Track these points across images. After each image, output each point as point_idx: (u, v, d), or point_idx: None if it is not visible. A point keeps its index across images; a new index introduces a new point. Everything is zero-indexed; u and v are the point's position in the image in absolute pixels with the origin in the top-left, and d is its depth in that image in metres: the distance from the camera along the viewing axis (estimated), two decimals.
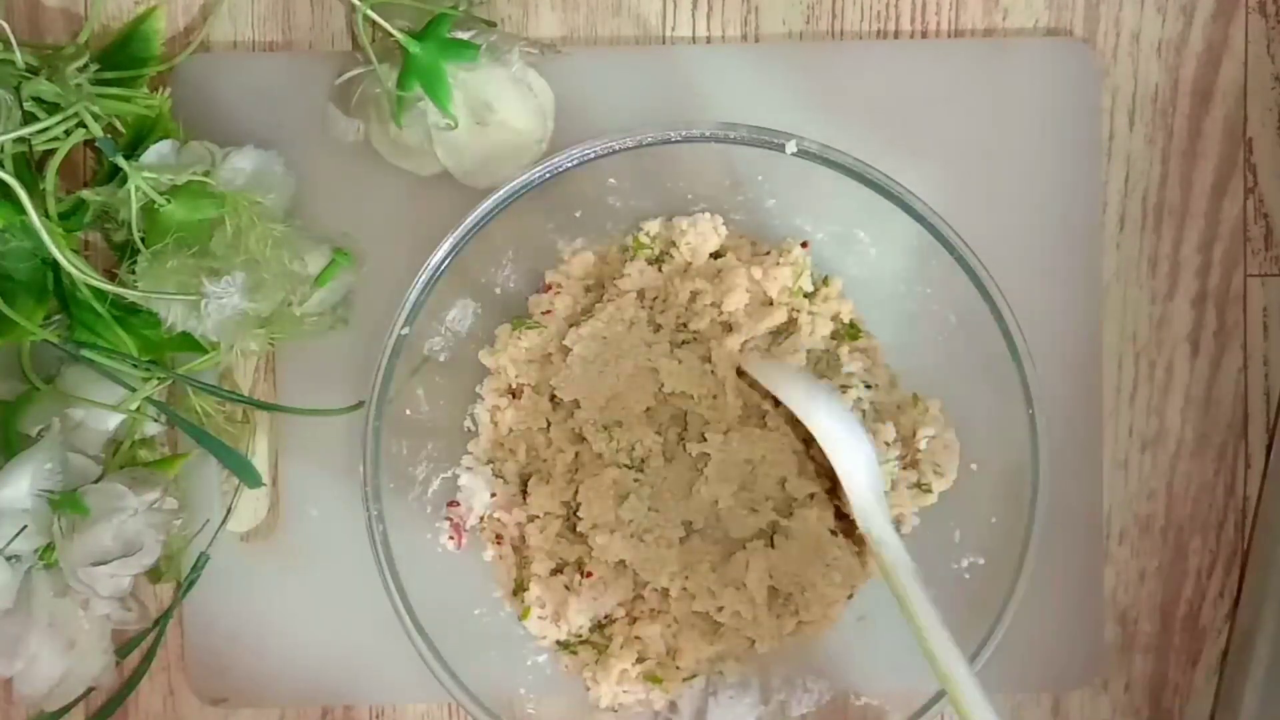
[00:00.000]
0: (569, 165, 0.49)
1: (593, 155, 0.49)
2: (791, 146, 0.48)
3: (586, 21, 0.54)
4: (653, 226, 0.52)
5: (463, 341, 0.52)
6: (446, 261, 0.49)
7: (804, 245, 0.51)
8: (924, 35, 0.54)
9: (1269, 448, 0.55)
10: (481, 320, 0.52)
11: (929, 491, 0.51)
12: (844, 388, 0.51)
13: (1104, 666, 0.55)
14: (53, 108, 0.48)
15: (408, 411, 0.51)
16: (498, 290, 0.52)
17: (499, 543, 0.53)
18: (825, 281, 0.52)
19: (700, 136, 0.49)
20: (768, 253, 0.52)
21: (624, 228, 0.52)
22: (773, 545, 0.51)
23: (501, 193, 0.49)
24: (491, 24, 0.52)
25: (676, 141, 0.49)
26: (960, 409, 0.51)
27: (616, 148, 0.49)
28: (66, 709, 0.50)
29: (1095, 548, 0.54)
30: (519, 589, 0.52)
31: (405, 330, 0.49)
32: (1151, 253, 0.54)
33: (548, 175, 0.49)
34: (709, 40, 0.54)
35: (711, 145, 0.49)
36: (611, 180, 0.51)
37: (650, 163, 0.50)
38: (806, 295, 0.51)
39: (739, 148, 0.49)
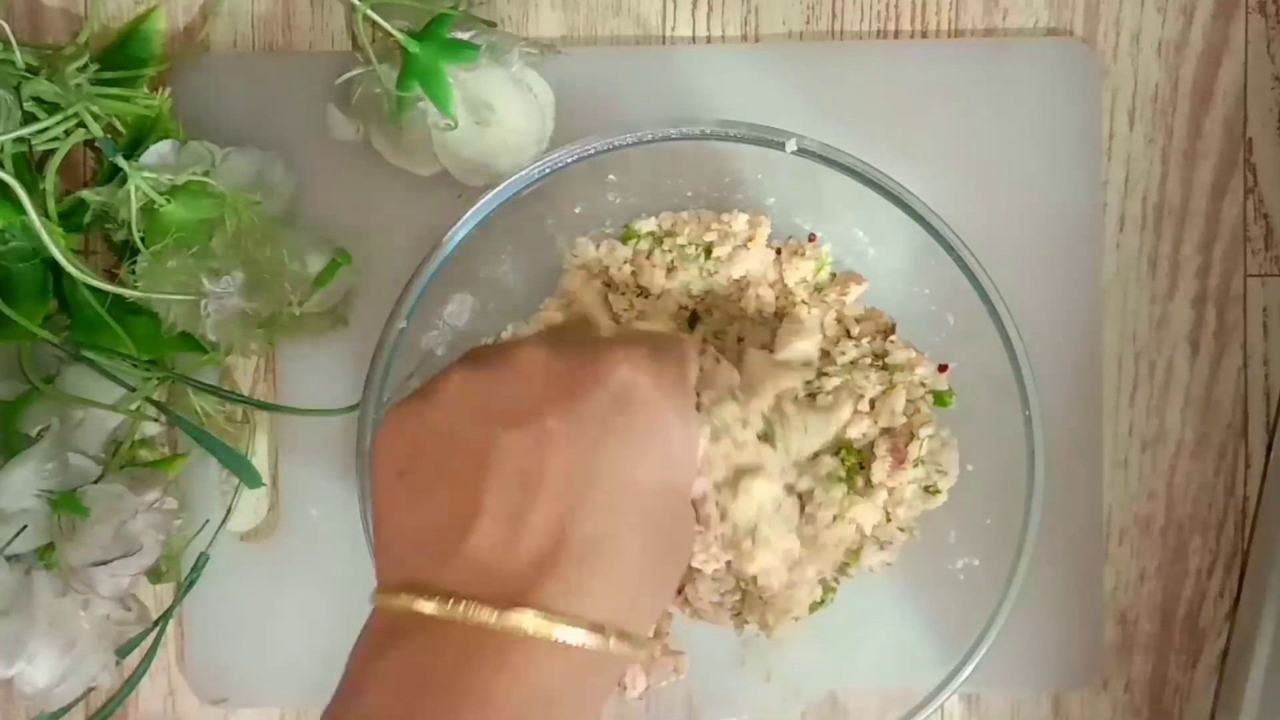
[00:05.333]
0: (570, 161, 0.49)
1: (593, 151, 0.49)
2: (791, 145, 0.48)
3: (586, 21, 0.54)
4: (647, 224, 0.51)
5: (460, 336, 0.52)
6: (447, 255, 0.49)
7: (811, 239, 0.51)
8: (924, 35, 0.54)
9: (1269, 448, 0.55)
10: (479, 315, 0.52)
11: (936, 493, 0.50)
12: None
13: (1104, 666, 0.55)
14: (53, 108, 0.48)
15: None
16: (496, 285, 0.52)
17: None
18: (845, 281, 0.51)
19: (700, 134, 0.49)
20: (778, 251, 0.51)
21: (622, 225, 0.52)
22: None
23: (502, 187, 0.49)
24: (491, 24, 0.52)
25: (676, 139, 0.49)
26: (956, 409, 0.51)
27: (617, 144, 0.49)
28: (66, 709, 0.50)
29: (1095, 548, 0.54)
30: None
31: (404, 323, 0.49)
32: (1151, 253, 0.54)
33: (548, 170, 0.49)
34: (709, 40, 0.54)
35: (712, 143, 0.49)
36: (611, 176, 0.51)
37: (650, 160, 0.50)
38: (818, 289, 0.51)
39: (739, 146, 0.49)
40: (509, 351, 0.40)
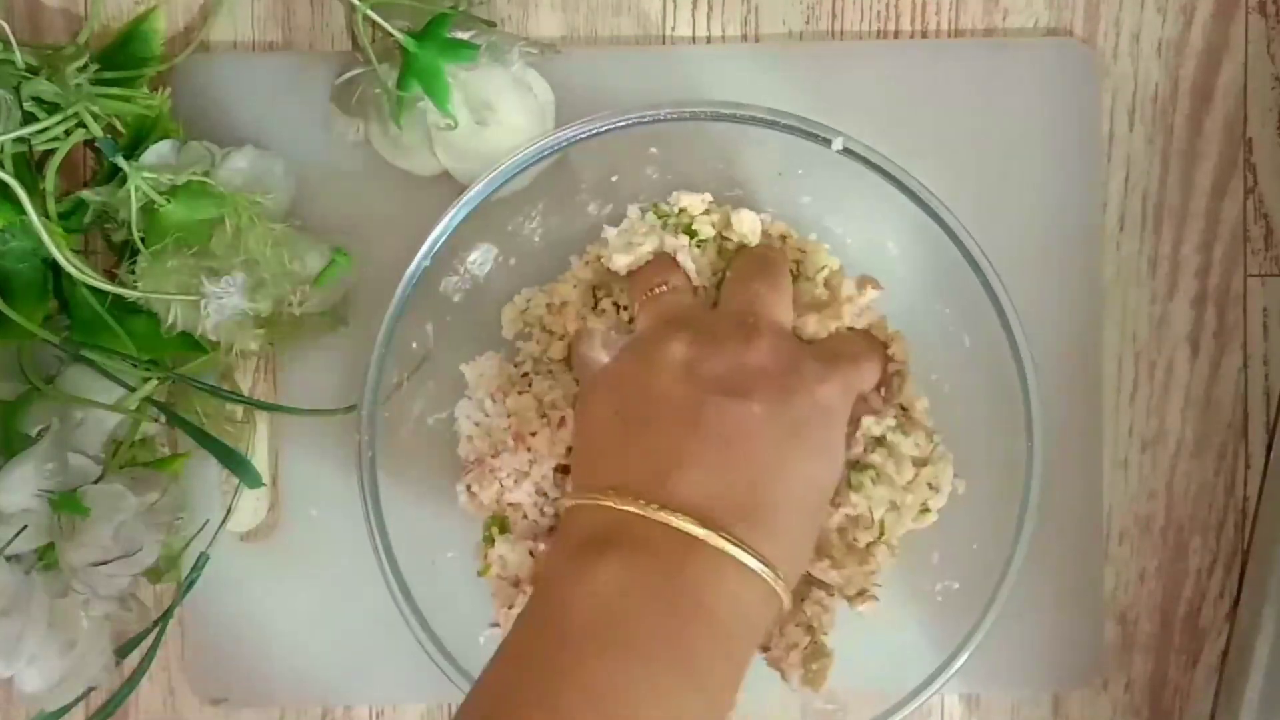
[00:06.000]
0: (616, 127, 0.49)
1: (639, 121, 0.49)
2: (838, 143, 0.48)
3: (586, 21, 0.54)
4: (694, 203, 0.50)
5: (480, 285, 0.52)
6: (479, 199, 0.49)
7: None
8: (924, 35, 0.54)
9: (1269, 448, 0.55)
10: (500, 268, 0.52)
11: (926, 512, 0.49)
12: None
13: (1104, 666, 0.55)
14: (53, 108, 0.48)
15: (414, 345, 0.51)
16: (522, 241, 0.52)
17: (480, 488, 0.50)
18: (863, 283, 0.50)
19: (750, 118, 0.49)
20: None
21: (655, 200, 0.51)
22: None
23: (547, 140, 0.49)
24: (491, 24, 0.52)
25: (725, 118, 0.49)
26: (959, 432, 0.50)
27: (663, 117, 0.49)
28: (66, 709, 0.50)
29: (1095, 548, 0.54)
30: (489, 539, 0.50)
31: (428, 262, 0.50)
32: (1151, 253, 0.54)
33: (594, 132, 0.49)
34: (709, 40, 0.54)
35: (756, 130, 0.49)
36: (653, 149, 0.51)
37: (693, 140, 0.50)
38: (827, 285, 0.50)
39: (783, 140, 0.49)
40: (727, 332, 0.46)
